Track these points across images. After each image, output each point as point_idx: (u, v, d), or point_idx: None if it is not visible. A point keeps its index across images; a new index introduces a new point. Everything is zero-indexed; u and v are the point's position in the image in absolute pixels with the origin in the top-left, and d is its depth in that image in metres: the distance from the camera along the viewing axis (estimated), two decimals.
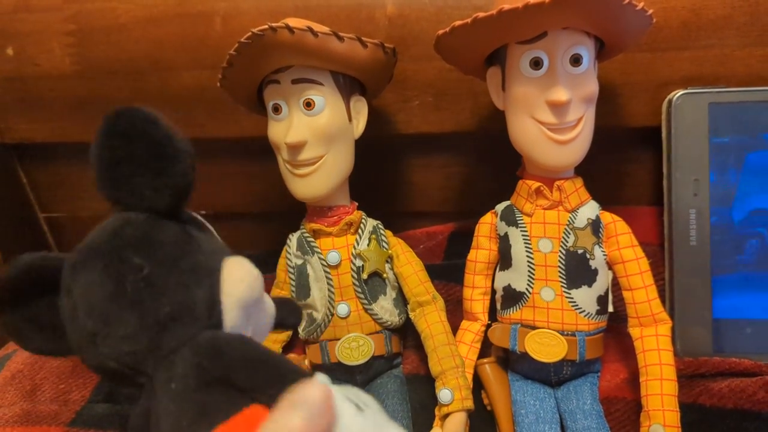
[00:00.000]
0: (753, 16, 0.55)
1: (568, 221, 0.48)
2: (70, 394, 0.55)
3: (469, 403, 0.48)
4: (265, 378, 0.28)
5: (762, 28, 0.55)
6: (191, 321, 0.30)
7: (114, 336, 0.29)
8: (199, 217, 0.35)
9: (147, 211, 0.31)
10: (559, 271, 0.48)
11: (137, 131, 0.30)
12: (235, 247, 0.34)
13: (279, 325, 0.38)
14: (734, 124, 0.54)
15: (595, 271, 0.48)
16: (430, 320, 0.51)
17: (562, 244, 0.48)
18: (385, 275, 0.52)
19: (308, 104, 0.49)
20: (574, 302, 0.47)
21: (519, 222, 0.49)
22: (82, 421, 0.52)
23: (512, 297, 0.50)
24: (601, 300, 0.48)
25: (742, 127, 0.54)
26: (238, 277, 0.32)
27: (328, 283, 0.51)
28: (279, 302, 0.38)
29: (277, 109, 0.50)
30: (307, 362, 0.55)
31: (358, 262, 0.51)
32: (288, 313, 0.39)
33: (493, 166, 0.64)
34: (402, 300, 0.54)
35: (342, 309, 0.51)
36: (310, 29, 0.45)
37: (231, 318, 0.31)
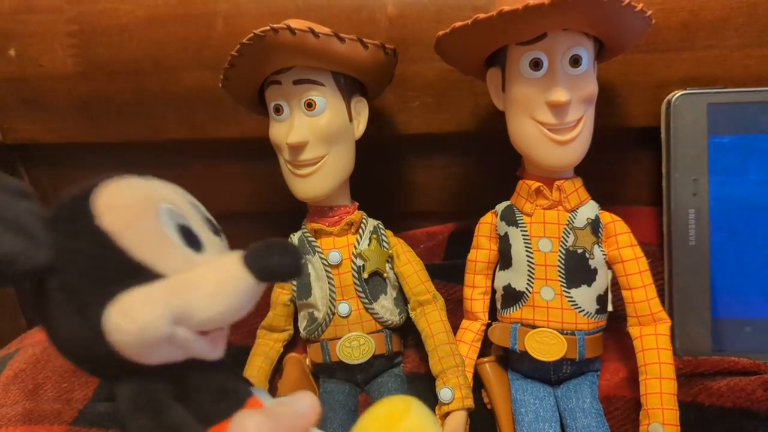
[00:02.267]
0: (751, 17, 0.55)
1: (568, 221, 0.48)
2: (73, 393, 0.55)
3: (470, 402, 0.48)
4: None
5: (760, 28, 0.55)
6: (105, 365, 0.31)
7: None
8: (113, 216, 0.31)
9: None
10: (559, 271, 0.48)
11: None
12: (235, 247, 0.33)
13: (270, 279, 0.32)
14: (733, 125, 0.54)
15: (595, 271, 0.48)
16: (431, 319, 0.52)
17: (561, 243, 0.48)
18: (385, 275, 0.52)
19: (309, 105, 0.49)
20: (574, 301, 0.48)
21: (519, 222, 0.50)
22: (84, 420, 0.52)
23: (512, 296, 0.50)
24: (601, 299, 0.49)
25: (741, 128, 0.54)
26: (114, 325, 0.29)
27: (329, 283, 0.51)
28: (258, 251, 0.32)
29: (278, 109, 0.50)
30: (308, 361, 0.55)
31: (359, 262, 0.52)
32: (276, 260, 0.32)
33: (493, 167, 0.64)
34: (402, 299, 0.54)
35: (343, 308, 0.51)
36: (312, 30, 0.46)
37: (137, 357, 0.30)
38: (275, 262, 0.31)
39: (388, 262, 0.53)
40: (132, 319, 0.28)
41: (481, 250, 0.53)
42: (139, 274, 0.30)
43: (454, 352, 0.50)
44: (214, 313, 0.30)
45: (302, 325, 0.54)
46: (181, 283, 0.30)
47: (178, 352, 0.31)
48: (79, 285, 0.30)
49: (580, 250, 0.48)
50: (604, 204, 0.50)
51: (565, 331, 0.48)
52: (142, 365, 0.30)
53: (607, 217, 0.49)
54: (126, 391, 0.31)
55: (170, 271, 0.31)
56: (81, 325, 0.30)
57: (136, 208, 0.31)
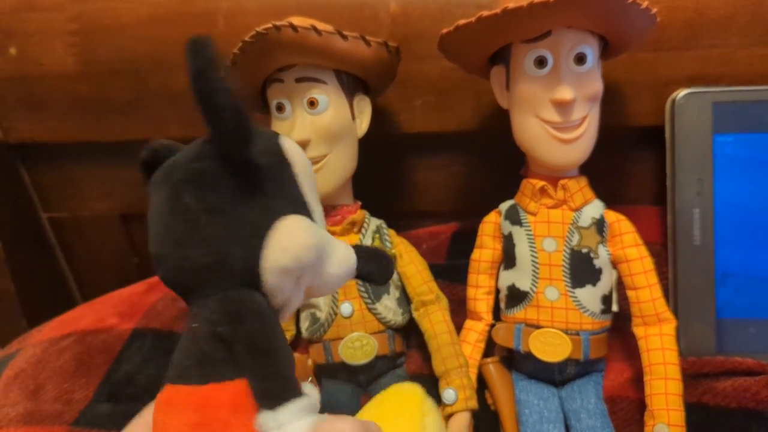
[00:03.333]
0: (756, 16, 0.55)
1: (573, 220, 0.48)
2: (74, 393, 0.55)
3: (473, 403, 0.48)
4: (262, 373, 0.29)
5: (765, 27, 0.55)
6: (225, 275, 0.30)
7: (165, 262, 0.31)
8: (296, 158, 0.34)
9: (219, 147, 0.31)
10: (564, 271, 0.48)
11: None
12: None
13: (363, 278, 0.37)
14: (738, 123, 0.54)
15: (600, 271, 0.48)
16: (434, 320, 0.51)
17: (566, 243, 0.48)
18: None
19: (312, 103, 0.49)
20: (579, 302, 0.47)
21: (523, 221, 0.49)
22: (85, 420, 0.52)
23: (516, 296, 0.50)
24: (606, 299, 0.48)
25: (746, 126, 0.54)
26: (283, 246, 0.30)
27: None
28: (366, 253, 0.36)
29: (280, 108, 0.50)
30: (310, 362, 0.55)
31: None
32: (375, 268, 0.37)
33: (496, 166, 0.64)
34: (405, 299, 0.54)
35: (345, 308, 0.51)
36: (314, 28, 0.45)
37: (272, 282, 0.31)
38: (378, 267, 0.37)
39: None
40: (298, 234, 0.31)
41: (485, 250, 0.52)
42: (304, 208, 0.33)
43: (457, 353, 0.50)
44: (334, 276, 0.34)
45: (304, 325, 0.53)
46: (327, 236, 0.34)
47: (289, 295, 0.33)
48: (266, 188, 0.32)
49: (584, 250, 0.47)
50: (609, 203, 0.50)
51: (569, 332, 0.48)
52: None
53: (612, 216, 0.49)
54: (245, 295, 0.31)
55: (318, 223, 0.34)
56: (247, 219, 0.31)
57: (307, 163, 0.35)
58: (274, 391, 0.29)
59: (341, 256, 0.34)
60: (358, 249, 0.36)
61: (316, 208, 0.35)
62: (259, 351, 0.30)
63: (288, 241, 0.30)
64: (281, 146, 0.34)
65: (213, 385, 0.29)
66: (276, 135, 0.34)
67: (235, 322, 0.30)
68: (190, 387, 0.29)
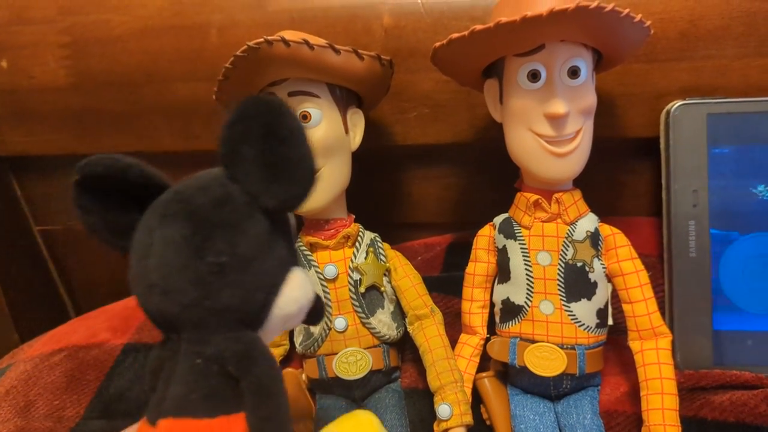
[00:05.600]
0: (750, 27, 0.55)
1: (567, 234, 0.48)
2: (65, 410, 0.54)
3: (468, 419, 0.47)
4: (263, 413, 0.31)
5: (759, 38, 0.55)
6: (240, 317, 0.32)
7: (169, 298, 0.31)
8: (291, 218, 0.36)
9: (249, 195, 0.32)
10: (558, 285, 0.47)
11: (269, 122, 0.31)
12: None
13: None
14: (733, 135, 0.54)
15: (595, 284, 0.47)
16: (429, 334, 0.51)
17: (561, 257, 0.47)
18: (382, 288, 0.52)
19: (304, 117, 0.48)
20: (574, 315, 0.47)
21: (517, 235, 0.49)
22: None
23: (511, 310, 0.49)
24: (601, 313, 0.48)
25: (741, 138, 0.53)
26: (295, 296, 0.33)
27: (325, 297, 0.51)
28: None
29: None
30: (304, 377, 0.54)
31: (356, 276, 0.51)
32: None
33: (491, 178, 0.64)
34: (400, 313, 0.54)
35: (339, 323, 0.50)
36: (306, 42, 0.45)
37: (272, 324, 0.33)
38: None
39: (385, 275, 0.52)
40: (306, 287, 0.34)
41: (480, 263, 0.52)
42: (295, 258, 0.36)
43: (452, 368, 0.49)
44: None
45: (298, 340, 0.53)
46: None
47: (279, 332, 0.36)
48: (287, 237, 0.35)
49: (579, 264, 0.47)
50: (604, 215, 0.50)
51: (565, 346, 0.47)
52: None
53: (606, 229, 0.48)
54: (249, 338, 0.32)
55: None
56: (272, 269, 0.33)
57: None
58: (271, 430, 0.31)
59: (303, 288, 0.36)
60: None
61: None
62: (265, 392, 0.31)
63: (298, 293, 0.33)
64: None
65: (222, 418, 0.31)
66: None
67: (247, 362, 0.31)
68: (198, 420, 0.31)
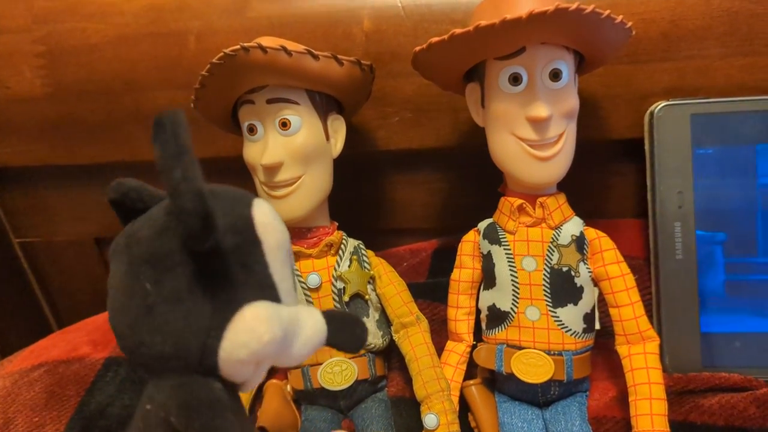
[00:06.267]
0: (732, 26, 0.55)
1: (552, 238, 0.47)
2: (44, 427, 0.53)
3: (456, 428, 0.47)
4: None
5: (741, 37, 0.55)
6: (180, 364, 0.29)
7: (120, 341, 0.30)
8: (268, 233, 0.31)
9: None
10: (544, 290, 0.47)
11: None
12: None
13: (333, 346, 0.34)
14: (717, 135, 0.53)
15: (581, 289, 0.47)
16: (414, 342, 0.50)
17: (546, 262, 0.47)
18: (367, 297, 0.51)
19: (284, 124, 0.48)
20: (560, 321, 0.46)
21: (502, 240, 0.48)
22: None
23: (497, 317, 0.49)
24: (588, 318, 0.47)
25: (725, 138, 0.53)
26: (241, 341, 0.28)
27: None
28: (338, 321, 0.34)
29: (252, 129, 0.49)
30: (289, 388, 0.53)
31: (339, 285, 0.50)
32: (347, 337, 0.34)
33: (475, 182, 0.63)
34: (385, 321, 0.53)
35: None
36: (284, 48, 0.44)
37: (228, 371, 0.29)
38: (350, 337, 0.34)
39: (369, 283, 0.52)
40: (259, 329, 0.28)
41: (465, 270, 0.51)
42: (270, 291, 0.31)
43: (438, 376, 0.49)
44: (300, 355, 0.31)
45: None
46: (295, 316, 0.31)
47: (249, 377, 0.31)
48: (228, 274, 0.29)
49: (565, 268, 0.47)
50: (589, 218, 0.49)
51: (552, 352, 0.47)
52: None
53: (591, 233, 0.48)
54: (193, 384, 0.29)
55: (285, 301, 0.31)
56: (205, 311, 0.29)
57: (282, 234, 0.32)
58: None
59: (310, 333, 0.32)
60: (331, 316, 0.33)
61: (285, 285, 0.32)
62: None
63: (246, 336, 0.28)
64: (252, 221, 0.31)
65: None
66: (248, 205, 0.31)
67: (187, 414, 0.28)
68: None
